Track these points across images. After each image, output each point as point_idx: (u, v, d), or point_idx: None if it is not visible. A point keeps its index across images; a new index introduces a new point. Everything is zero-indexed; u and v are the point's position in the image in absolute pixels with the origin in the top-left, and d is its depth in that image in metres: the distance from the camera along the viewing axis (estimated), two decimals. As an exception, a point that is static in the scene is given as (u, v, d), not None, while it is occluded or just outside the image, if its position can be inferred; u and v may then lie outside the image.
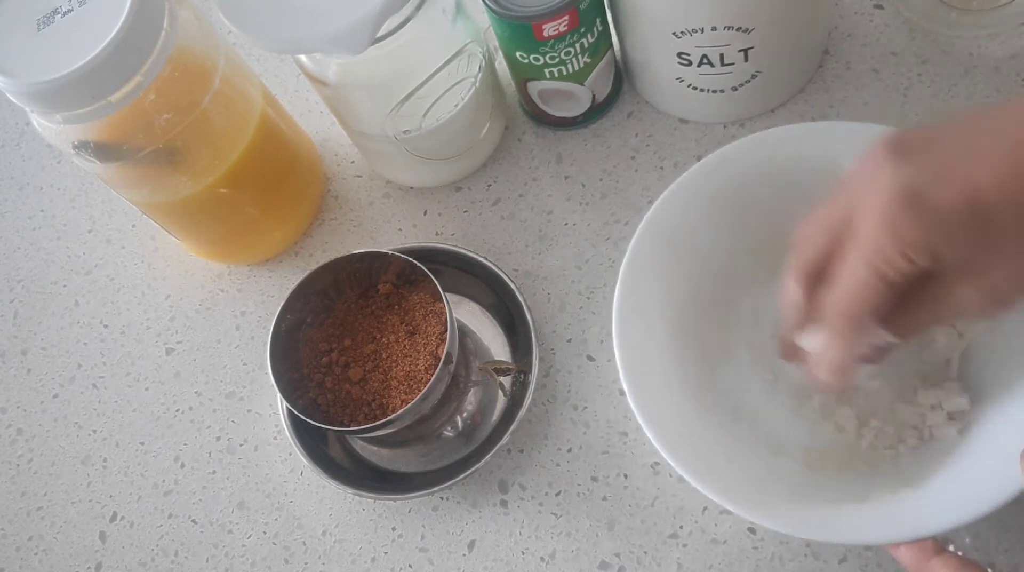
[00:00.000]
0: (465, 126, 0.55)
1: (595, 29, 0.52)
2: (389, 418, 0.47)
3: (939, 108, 0.54)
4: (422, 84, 0.50)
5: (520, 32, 0.51)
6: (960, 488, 0.39)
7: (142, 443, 0.58)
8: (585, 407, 0.52)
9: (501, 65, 0.58)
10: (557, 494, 0.50)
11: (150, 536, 0.55)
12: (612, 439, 0.50)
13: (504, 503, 0.51)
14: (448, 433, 0.53)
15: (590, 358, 0.53)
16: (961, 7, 0.55)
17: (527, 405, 0.50)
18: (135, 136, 0.49)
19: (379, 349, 0.51)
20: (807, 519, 0.40)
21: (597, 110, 0.58)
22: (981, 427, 0.42)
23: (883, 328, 0.37)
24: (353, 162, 0.63)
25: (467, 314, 0.56)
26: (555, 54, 0.52)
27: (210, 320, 0.61)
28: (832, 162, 0.45)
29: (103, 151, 0.50)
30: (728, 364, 0.47)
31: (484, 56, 0.54)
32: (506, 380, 0.53)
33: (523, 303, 0.53)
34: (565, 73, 0.54)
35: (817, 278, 0.37)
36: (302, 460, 0.52)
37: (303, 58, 0.52)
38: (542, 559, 0.49)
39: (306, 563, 0.52)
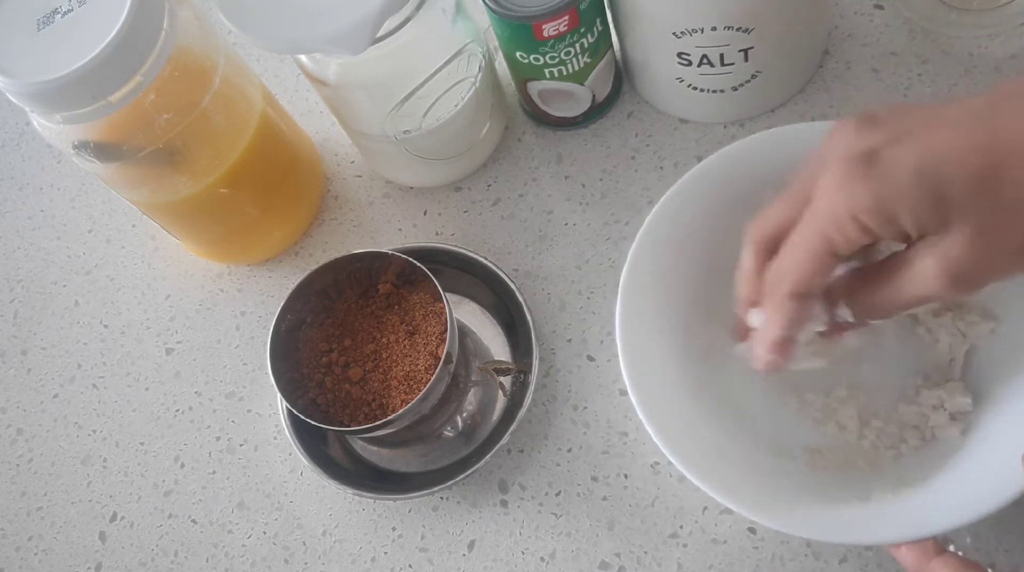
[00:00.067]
0: (465, 126, 0.55)
1: (595, 29, 0.52)
2: (389, 418, 0.47)
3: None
4: (422, 84, 0.50)
5: (520, 32, 0.51)
6: (962, 488, 0.39)
7: (142, 443, 0.58)
8: (585, 407, 0.52)
9: (501, 65, 0.58)
10: (557, 494, 0.50)
11: (150, 536, 0.55)
12: (612, 439, 0.50)
13: (504, 503, 0.51)
14: (448, 433, 0.53)
15: (590, 358, 0.53)
16: (961, 7, 0.55)
17: (527, 405, 0.50)
18: (135, 136, 0.49)
19: (379, 349, 0.51)
20: (808, 519, 0.40)
21: (597, 110, 0.58)
22: (983, 428, 0.42)
23: (845, 307, 0.36)
24: (353, 162, 0.63)
25: (467, 314, 0.56)
26: (555, 54, 0.52)
27: (210, 320, 0.60)
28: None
29: (103, 151, 0.50)
30: (730, 364, 0.47)
31: (484, 56, 0.54)
32: (506, 380, 0.53)
33: (523, 303, 0.53)
34: (565, 73, 0.54)
35: (772, 251, 0.37)
36: (302, 460, 0.52)
37: (303, 58, 0.51)
38: (542, 559, 0.49)
39: (306, 563, 0.52)
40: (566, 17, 0.50)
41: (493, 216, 0.58)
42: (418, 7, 0.48)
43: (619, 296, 0.45)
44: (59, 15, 0.47)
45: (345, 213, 0.61)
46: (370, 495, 0.51)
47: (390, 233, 0.60)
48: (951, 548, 0.43)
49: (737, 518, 0.47)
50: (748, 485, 0.42)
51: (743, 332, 0.42)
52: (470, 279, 0.56)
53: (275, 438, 0.56)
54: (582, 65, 0.53)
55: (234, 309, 0.60)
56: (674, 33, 0.50)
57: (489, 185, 0.59)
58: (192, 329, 0.61)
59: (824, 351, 0.45)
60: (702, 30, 0.49)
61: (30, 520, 0.58)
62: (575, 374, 0.52)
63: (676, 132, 0.57)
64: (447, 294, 0.49)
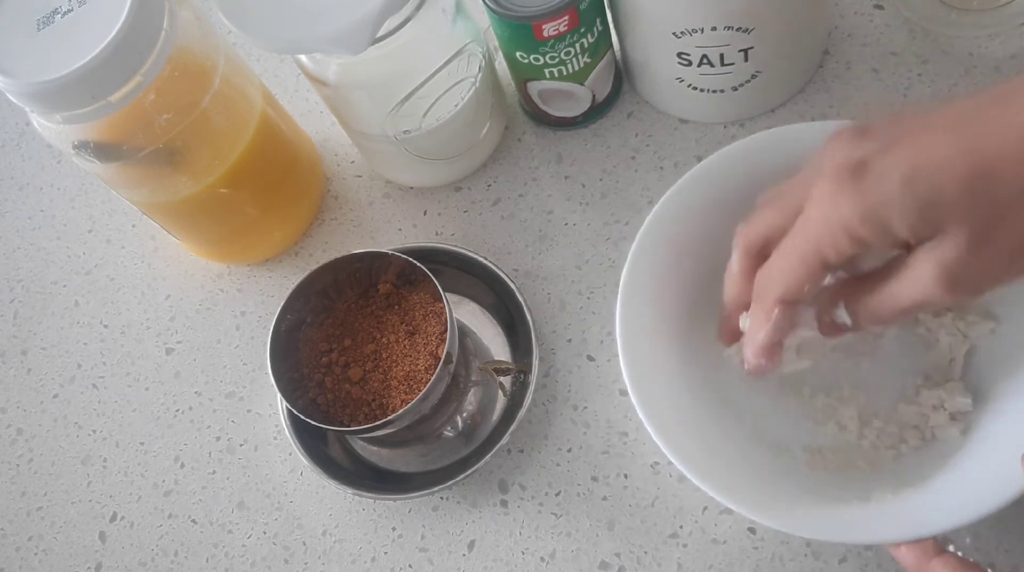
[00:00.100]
0: (465, 126, 0.55)
1: (595, 29, 0.52)
2: (389, 418, 0.47)
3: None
4: (422, 84, 0.50)
5: (520, 32, 0.51)
6: (962, 489, 0.39)
7: (142, 443, 0.58)
8: (585, 407, 0.52)
9: (501, 65, 0.58)
10: (557, 494, 0.50)
11: (150, 536, 0.55)
12: (612, 439, 0.50)
13: (504, 503, 0.51)
14: (448, 433, 0.53)
15: (590, 358, 0.53)
16: (961, 7, 0.55)
17: (527, 405, 0.50)
18: (135, 136, 0.49)
19: (379, 349, 0.51)
20: (808, 518, 0.40)
21: (597, 110, 0.58)
22: (983, 428, 0.42)
23: (844, 317, 0.36)
24: (353, 162, 0.63)
25: (467, 314, 0.56)
26: (555, 54, 0.52)
27: (210, 320, 0.60)
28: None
29: (103, 151, 0.50)
30: (730, 363, 0.47)
31: (484, 56, 0.54)
32: (506, 380, 0.53)
33: (523, 303, 0.53)
34: (565, 73, 0.54)
35: (762, 256, 0.37)
36: (302, 460, 0.52)
37: (303, 58, 0.51)
38: (542, 559, 0.49)
39: (306, 563, 0.52)
40: (566, 17, 0.50)
41: (493, 216, 0.58)
42: (418, 7, 0.48)
43: (619, 296, 0.45)
44: (59, 15, 0.47)
45: (345, 213, 0.61)
46: (370, 495, 0.51)
47: (390, 233, 0.60)
48: (951, 548, 0.43)
49: (737, 518, 0.47)
50: (748, 485, 0.42)
51: (727, 334, 0.42)
52: (470, 279, 0.56)
53: (275, 438, 0.56)
54: (582, 65, 0.53)
55: (234, 309, 0.60)
56: (674, 33, 0.50)
57: (489, 185, 0.59)
58: (192, 329, 0.61)
59: (809, 352, 0.45)
60: (702, 30, 0.49)
61: (30, 520, 0.58)
62: (575, 374, 0.52)
63: (676, 132, 0.57)
64: (447, 294, 0.49)
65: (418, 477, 0.52)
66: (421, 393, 0.47)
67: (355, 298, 0.52)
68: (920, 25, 0.56)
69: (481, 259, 0.54)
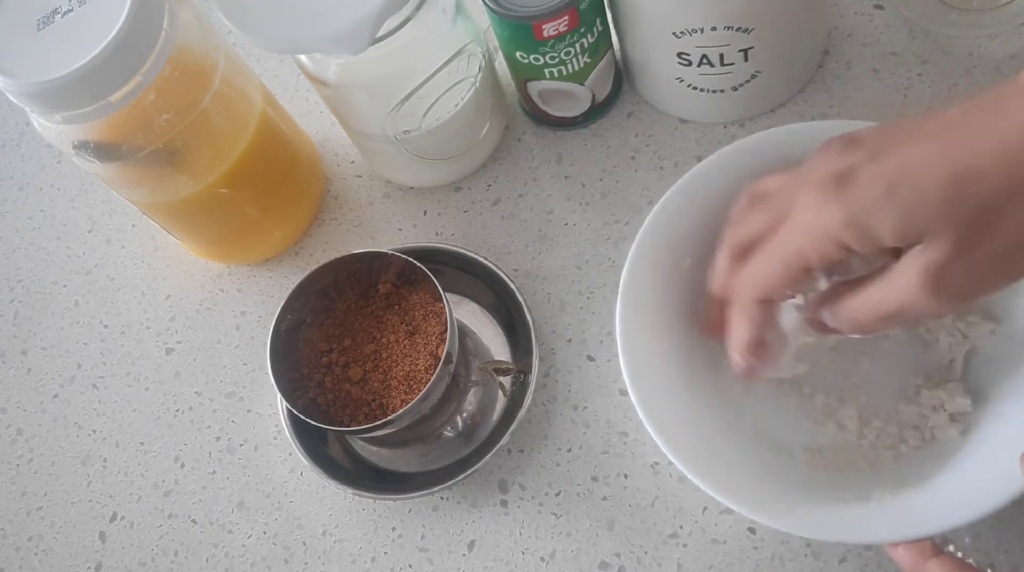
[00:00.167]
0: (465, 126, 0.55)
1: (595, 29, 0.52)
2: (389, 418, 0.47)
3: (939, 108, 0.53)
4: (422, 84, 0.50)
5: (520, 32, 0.51)
6: (961, 489, 0.39)
7: (142, 443, 0.58)
8: (585, 407, 0.52)
9: (501, 65, 0.58)
10: (557, 494, 0.50)
11: (150, 536, 0.55)
12: (612, 439, 0.50)
13: (504, 503, 0.51)
14: (448, 433, 0.53)
15: (590, 358, 0.53)
16: (961, 7, 0.55)
17: (527, 405, 0.50)
18: (135, 136, 0.49)
19: (379, 349, 0.51)
20: (808, 518, 0.40)
21: (597, 110, 0.58)
22: (983, 429, 0.42)
23: (830, 321, 0.36)
24: (353, 162, 0.63)
25: (467, 314, 0.56)
26: (555, 54, 0.52)
27: (210, 320, 0.60)
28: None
29: (103, 151, 0.50)
30: (730, 363, 0.47)
31: (484, 56, 0.54)
32: (506, 380, 0.53)
33: (523, 303, 0.53)
34: (565, 73, 0.54)
35: (747, 256, 0.37)
36: (302, 460, 0.52)
37: (303, 58, 0.51)
38: (542, 559, 0.49)
39: (306, 563, 0.52)
40: (566, 17, 0.50)
41: (493, 216, 0.58)
42: (418, 7, 0.48)
43: (619, 296, 0.45)
44: (59, 15, 0.47)
45: (345, 213, 0.61)
46: (370, 495, 0.51)
47: (390, 233, 0.60)
48: (951, 548, 0.43)
49: (737, 518, 0.47)
50: (748, 485, 0.42)
51: (707, 326, 0.43)
52: (470, 279, 0.56)
53: (275, 438, 0.56)
54: (582, 65, 0.53)
55: (234, 309, 0.60)
56: (674, 33, 0.50)
57: (489, 185, 0.59)
58: (192, 329, 0.61)
59: (807, 357, 0.45)
60: (702, 30, 0.49)
61: (30, 520, 0.58)
62: (575, 374, 0.52)
63: (676, 132, 0.57)
64: (447, 294, 0.49)
65: (418, 477, 0.52)
66: (421, 393, 0.47)
67: (355, 298, 0.52)
68: (920, 25, 0.56)
69: (481, 259, 0.54)
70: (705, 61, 0.51)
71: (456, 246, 0.55)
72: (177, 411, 0.58)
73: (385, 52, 0.48)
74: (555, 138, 0.59)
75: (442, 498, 0.51)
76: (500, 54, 0.56)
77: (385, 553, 0.51)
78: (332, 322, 0.52)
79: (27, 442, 0.60)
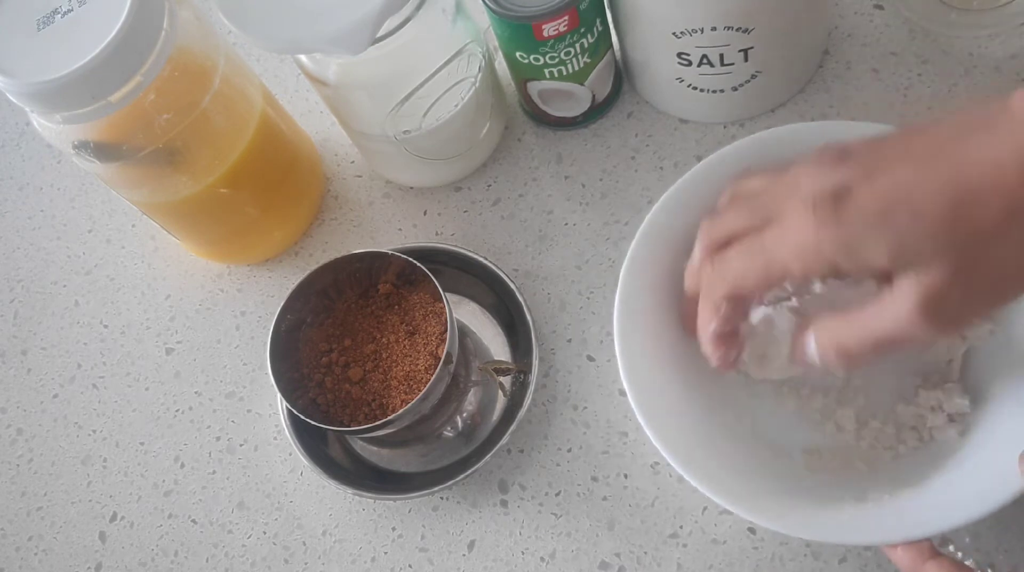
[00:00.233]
0: (465, 126, 0.55)
1: (595, 29, 0.52)
2: (389, 418, 0.47)
3: (939, 108, 0.54)
4: (422, 84, 0.50)
5: (520, 32, 0.51)
6: (959, 490, 0.39)
7: (142, 443, 0.58)
8: (585, 407, 0.52)
9: (501, 65, 0.58)
10: (557, 494, 0.50)
11: (150, 536, 0.55)
12: (612, 439, 0.50)
13: (504, 503, 0.51)
14: (448, 433, 0.53)
15: (590, 358, 0.53)
16: (961, 7, 0.55)
17: (527, 405, 0.50)
18: (135, 136, 0.49)
19: (379, 349, 0.51)
20: (806, 519, 0.40)
21: (597, 110, 0.58)
22: (981, 429, 0.42)
23: (814, 345, 0.36)
24: (353, 162, 0.63)
25: (467, 314, 0.56)
26: (555, 54, 0.52)
27: (210, 320, 0.61)
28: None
29: (103, 151, 0.50)
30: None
31: (484, 56, 0.54)
32: (506, 380, 0.53)
33: (523, 303, 0.53)
34: (565, 73, 0.54)
35: (719, 252, 0.37)
36: (302, 460, 0.52)
37: (303, 58, 0.51)
38: (542, 559, 0.49)
39: (306, 563, 0.52)
40: (566, 17, 0.50)
41: (493, 216, 0.58)
42: (418, 7, 0.48)
43: (617, 296, 0.45)
44: (59, 15, 0.47)
45: (345, 213, 0.61)
46: (370, 495, 0.51)
47: (390, 233, 0.60)
48: (951, 548, 0.43)
49: (737, 518, 0.47)
50: (746, 486, 0.42)
51: (688, 324, 0.42)
52: (470, 279, 0.56)
53: (275, 438, 0.56)
54: (582, 65, 0.53)
55: (234, 309, 0.60)
56: (674, 33, 0.50)
57: (489, 185, 0.59)
58: (192, 329, 0.61)
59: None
60: (702, 30, 0.49)
61: (30, 520, 0.58)
62: (575, 374, 0.52)
63: (676, 132, 0.57)
64: (447, 294, 0.49)
65: (418, 477, 0.52)
66: (421, 393, 0.47)
67: (355, 298, 0.52)
68: (920, 25, 0.56)
69: (481, 259, 0.54)
70: (705, 61, 0.51)
71: (456, 246, 0.55)
72: (177, 411, 0.58)
73: (385, 52, 0.48)
74: (555, 138, 0.59)
75: (442, 498, 0.52)
76: (500, 54, 0.56)
77: (385, 553, 0.51)
78: (332, 322, 0.52)
79: (27, 442, 0.60)
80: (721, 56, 0.51)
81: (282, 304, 0.50)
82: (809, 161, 0.34)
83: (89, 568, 0.55)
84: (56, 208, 0.68)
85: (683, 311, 0.44)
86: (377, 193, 0.61)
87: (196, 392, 0.58)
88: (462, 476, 0.49)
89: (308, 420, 0.47)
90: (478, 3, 0.51)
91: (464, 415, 0.53)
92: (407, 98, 0.51)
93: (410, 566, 0.50)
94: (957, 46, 0.55)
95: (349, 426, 0.48)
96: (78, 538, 0.56)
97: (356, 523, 0.52)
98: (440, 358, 0.47)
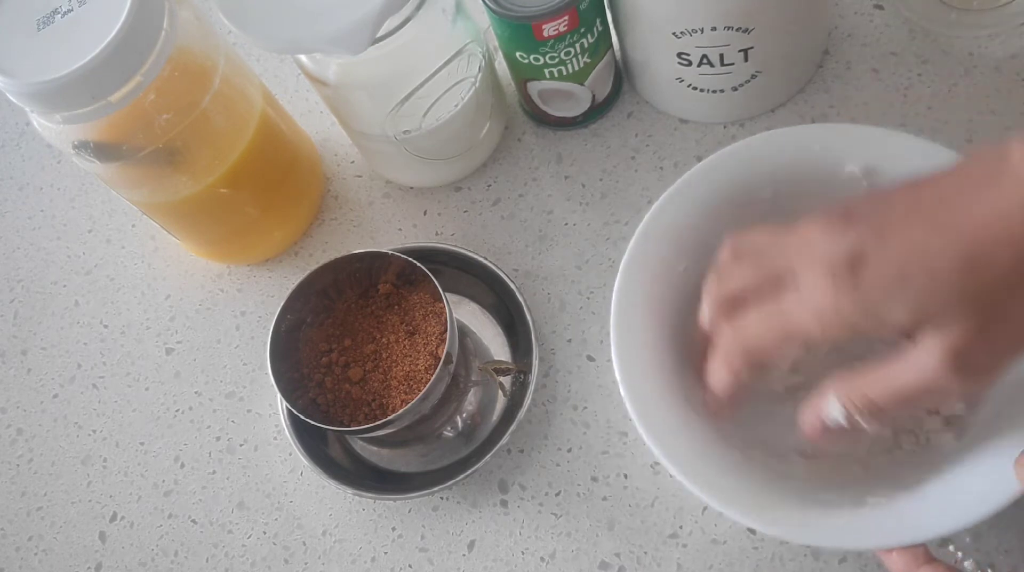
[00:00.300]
0: (465, 126, 0.55)
1: (595, 29, 0.52)
2: (389, 418, 0.47)
3: (939, 108, 0.54)
4: (422, 84, 0.50)
5: (520, 32, 0.51)
6: (956, 493, 0.39)
7: (142, 443, 0.58)
8: (585, 407, 0.52)
9: (501, 65, 0.58)
10: (557, 494, 0.50)
11: (150, 536, 0.55)
12: (612, 439, 0.50)
13: (504, 503, 0.51)
14: (448, 433, 0.53)
15: (590, 358, 0.53)
16: (961, 7, 0.55)
17: (527, 405, 0.50)
18: (135, 136, 0.49)
19: (379, 349, 0.51)
20: (803, 523, 0.40)
21: (597, 110, 0.58)
22: (978, 433, 0.42)
23: (835, 402, 0.36)
24: (353, 162, 0.63)
25: (467, 314, 0.56)
26: (555, 54, 0.52)
27: (210, 320, 0.61)
28: (832, 162, 0.45)
29: (103, 151, 0.50)
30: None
31: (484, 56, 0.54)
32: (506, 380, 0.53)
33: (523, 303, 0.53)
34: (565, 73, 0.54)
35: (733, 309, 0.38)
36: (302, 460, 0.52)
37: (303, 58, 0.52)
38: (542, 559, 0.49)
39: (306, 563, 0.52)
40: (566, 17, 0.50)
41: (493, 216, 0.58)
42: (418, 7, 0.48)
43: (614, 296, 0.45)
44: (59, 15, 0.47)
45: (345, 213, 0.61)
46: (370, 495, 0.51)
47: (390, 233, 0.60)
48: (951, 548, 0.43)
49: (737, 518, 0.47)
50: (743, 489, 0.42)
51: (695, 360, 0.43)
52: (470, 279, 0.56)
53: (275, 438, 0.56)
54: (582, 65, 0.53)
55: (234, 309, 0.61)
56: (674, 33, 0.50)
57: (489, 185, 0.59)
58: (192, 329, 0.61)
59: (803, 368, 0.45)
60: (702, 30, 0.49)
61: (30, 520, 0.58)
62: (575, 374, 0.52)
63: (676, 132, 0.57)
64: (447, 294, 0.49)
65: (418, 477, 0.52)
66: (421, 393, 0.47)
67: (355, 298, 0.52)
68: (920, 25, 0.56)
69: (481, 259, 0.54)
70: (705, 61, 0.51)
71: (456, 246, 0.55)
72: (177, 411, 0.58)
73: (385, 52, 0.48)
74: (555, 138, 0.59)
75: (442, 498, 0.52)
76: (500, 54, 0.56)
77: (385, 553, 0.51)
78: (332, 322, 0.52)
79: (27, 442, 0.60)
80: (721, 56, 0.51)
81: (282, 304, 0.50)
82: (815, 220, 0.34)
83: (89, 568, 0.55)
84: (56, 208, 0.68)
85: (690, 346, 0.44)
86: (377, 193, 0.61)
87: (196, 392, 0.58)
88: (462, 476, 0.49)
89: (308, 420, 0.47)
90: (478, 3, 0.51)
91: (464, 415, 0.53)
92: (407, 98, 0.51)
93: (410, 566, 0.50)
94: (957, 46, 0.55)
95: (349, 426, 0.48)
96: (78, 538, 0.56)
97: (356, 523, 0.52)
98: (440, 358, 0.47)
